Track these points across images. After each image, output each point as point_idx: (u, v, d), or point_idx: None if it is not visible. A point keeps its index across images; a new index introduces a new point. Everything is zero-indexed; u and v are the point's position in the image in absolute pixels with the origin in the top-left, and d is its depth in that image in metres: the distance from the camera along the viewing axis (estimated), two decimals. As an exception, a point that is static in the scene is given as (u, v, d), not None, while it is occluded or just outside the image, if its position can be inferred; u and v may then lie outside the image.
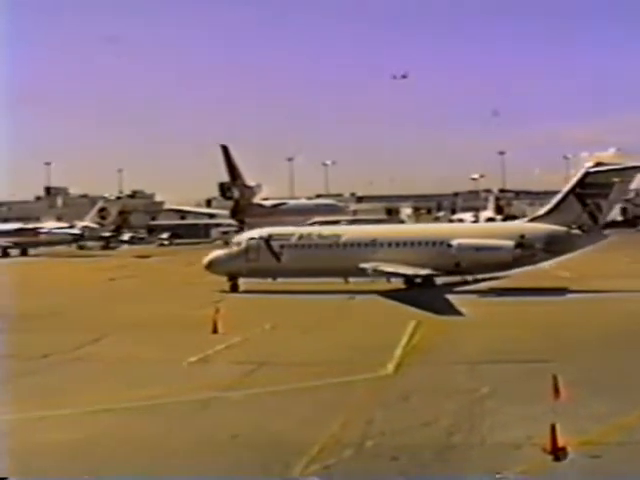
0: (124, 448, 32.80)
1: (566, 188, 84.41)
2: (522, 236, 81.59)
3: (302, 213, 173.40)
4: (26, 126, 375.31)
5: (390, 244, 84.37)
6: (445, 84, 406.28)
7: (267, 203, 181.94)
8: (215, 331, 58.50)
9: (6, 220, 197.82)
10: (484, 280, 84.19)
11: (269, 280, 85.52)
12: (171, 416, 37.53)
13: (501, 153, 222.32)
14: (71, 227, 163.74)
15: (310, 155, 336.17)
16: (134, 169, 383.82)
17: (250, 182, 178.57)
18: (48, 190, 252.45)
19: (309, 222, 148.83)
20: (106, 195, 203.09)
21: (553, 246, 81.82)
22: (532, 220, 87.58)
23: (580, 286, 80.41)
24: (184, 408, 38.91)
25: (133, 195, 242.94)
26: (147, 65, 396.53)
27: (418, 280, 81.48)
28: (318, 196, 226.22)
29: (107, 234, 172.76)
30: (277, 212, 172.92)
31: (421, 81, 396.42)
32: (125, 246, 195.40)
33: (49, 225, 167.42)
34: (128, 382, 44.35)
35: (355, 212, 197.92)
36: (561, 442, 29.33)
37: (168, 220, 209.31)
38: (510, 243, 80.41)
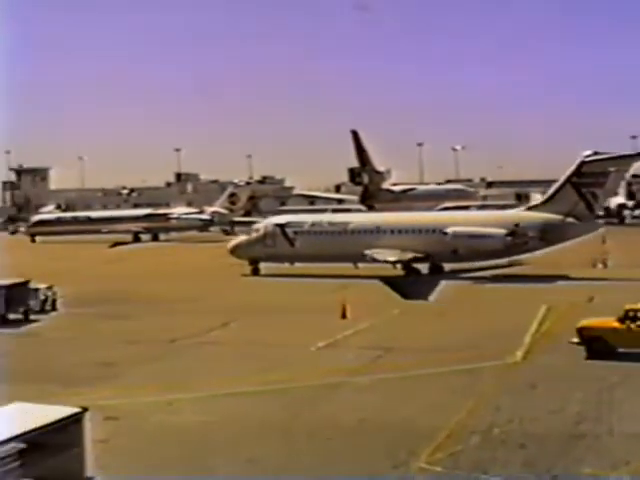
0: (252, 431, 33.56)
1: (563, 177, 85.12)
2: (517, 225, 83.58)
3: (431, 199, 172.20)
4: (156, 114, 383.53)
5: (392, 231, 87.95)
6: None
7: (396, 189, 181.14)
8: (344, 316, 59.18)
9: (137, 206, 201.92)
10: (498, 267, 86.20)
11: (286, 264, 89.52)
12: (299, 400, 38.30)
13: (633, 137, 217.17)
14: (201, 212, 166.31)
15: (440, 140, 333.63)
16: (264, 154, 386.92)
17: (380, 167, 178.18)
18: (178, 176, 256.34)
19: (439, 207, 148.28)
20: (236, 181, 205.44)
21: (547, 235, 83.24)
22: (529, 209, 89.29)
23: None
24: (312, 392, 39.63)
25: (263, 180, 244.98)
26: (282, 50, 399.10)
27: (414, 267, 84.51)
28: (448, 181, 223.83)
29: (237, 219, 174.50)
30: (406, 198, 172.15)
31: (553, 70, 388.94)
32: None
33: (179, 211, 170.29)
34: (257, 366, 45.33)
35: (485, 198, 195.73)
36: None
37: (297, 205, 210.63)
38: (502, 231, 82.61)
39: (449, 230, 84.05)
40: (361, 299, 66.76)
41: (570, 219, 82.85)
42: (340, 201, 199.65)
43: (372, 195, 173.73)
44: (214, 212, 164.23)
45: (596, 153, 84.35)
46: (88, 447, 26.87)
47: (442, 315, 60.66)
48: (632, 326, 43.53)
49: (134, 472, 29.02)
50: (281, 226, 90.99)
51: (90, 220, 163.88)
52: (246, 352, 49.60)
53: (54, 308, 67.71)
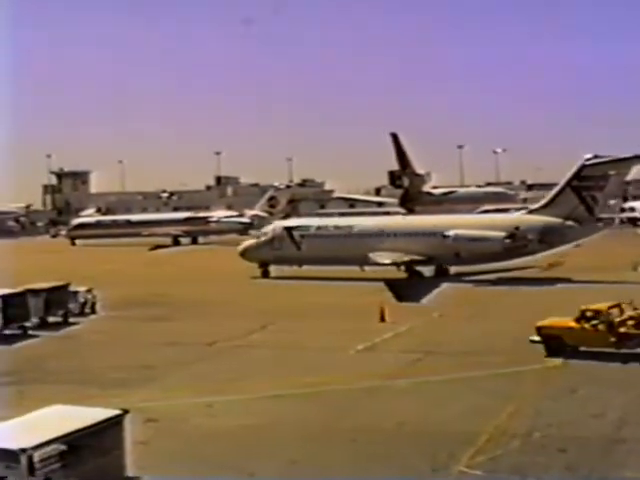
0: (292, 434, 33.61)
1: (563, 180, 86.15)
2: (517, 227, 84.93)
3: (471, 201, 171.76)
4: (196, 116, 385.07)
5: (396, 235, 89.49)
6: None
7: (436, 191, 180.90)
8: (382, 319, 59.16)
9: (176, 209, 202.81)
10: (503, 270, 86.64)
11: (295, 267, 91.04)
12: (339, 403, 38.38)
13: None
14: (240, 216, 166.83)
15: (481, 142, 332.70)
16: (304, 157, 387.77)
17: (420, 170, 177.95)
18: (218, 179, 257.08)
19: (478, 210, 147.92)
20: (276, 184, 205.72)
21: (547, 237, 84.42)
22: (531, 212, 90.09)
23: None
24: (351, 395, 39.68)
25: (303, 183, 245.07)
26: (322, 53, 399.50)
27: (416, 269, 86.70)
28: (488, 184, 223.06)
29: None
30: (446, 200, 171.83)
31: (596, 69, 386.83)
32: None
33: (219, 214, 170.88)
34: (296, 369, 45.46)
35: (525, 200, 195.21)
36: None
37: (337, 209, 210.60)
38: (501, 234, 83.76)
39: (450, 233, 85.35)
40: (395, 302, 67.54)
41: (570, 222, 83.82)
42: (380, 204, 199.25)
43: (412, 198, 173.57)
44: (254, 215, 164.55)
45: (596, 157, 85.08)
46: (128, 449, 27.09)
47: (485, 318, 60.64)
48: (586, 326, 45.42)
49: (174, 473, 29.18)
50: (288, 229, 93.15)
51: (130, 223, 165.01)
52: (285, 355, 49.71)
53: (93, 311, 68.27)
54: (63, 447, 22.92)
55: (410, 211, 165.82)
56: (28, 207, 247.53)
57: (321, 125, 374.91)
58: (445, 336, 53.80)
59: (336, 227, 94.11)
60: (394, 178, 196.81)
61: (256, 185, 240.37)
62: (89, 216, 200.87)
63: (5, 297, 59.12)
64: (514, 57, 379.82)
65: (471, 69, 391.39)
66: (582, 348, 45.78)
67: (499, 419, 34.11)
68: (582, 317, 45.63)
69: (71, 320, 64.44)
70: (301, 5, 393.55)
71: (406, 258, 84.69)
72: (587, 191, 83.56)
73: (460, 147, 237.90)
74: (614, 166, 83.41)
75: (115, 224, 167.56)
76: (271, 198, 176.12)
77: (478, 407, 36.38)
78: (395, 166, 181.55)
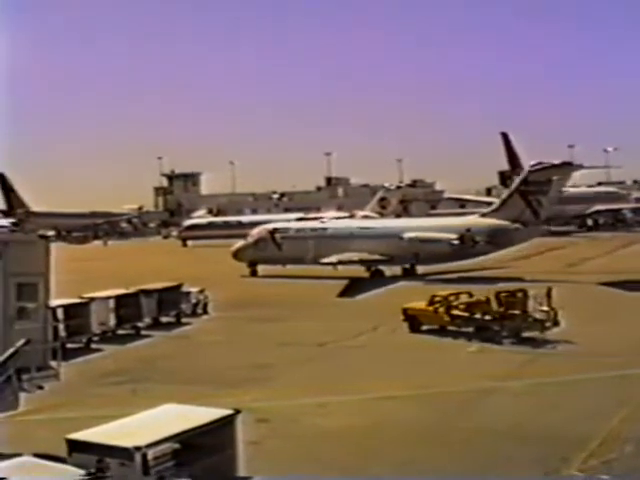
0: (405, 435, 33.46)
1: (513, 186, 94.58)
2: (468, 230, 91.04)
3: (582, 201, 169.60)
4: (306, 117, 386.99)
5: (363, 237, 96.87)
6: None
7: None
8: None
9: (287, 210, 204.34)
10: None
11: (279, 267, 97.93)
12: (450, 405, 38.15)
13: None
14: (351, 217, 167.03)
15: (591, 141, 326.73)
16: (415, 158, 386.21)
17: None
18: (329, 180, 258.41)
19: (590, 210, 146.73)
20: (386, 184, 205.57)
21: (495, 239, 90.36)
22: (484, 215, 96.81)
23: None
24: (463, 397, 39.41)
25: (413, 184, 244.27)
26: (432, 51, 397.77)
27: (374, 268, 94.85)
28: (599, 184, 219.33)
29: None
30: (558, 200, 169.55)
31: None
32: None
33: (329, 215, 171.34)
34: (409, 370, 45.30)
35: (638, 200, 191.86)
36: None
37: (448, 209, 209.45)
38: (449, 236, 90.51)
39: (405, 235, 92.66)
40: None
41: (517, 225, 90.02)
42: (490, 204, 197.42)
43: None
44: (364, 216, 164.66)
45: (540, 163, 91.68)
46: (240, 449, 27.28)
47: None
48: (430, 308, 55.95)
49: (287, 473, 29.31)
50: (271, 232, 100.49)
51: (241, 224, 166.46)
52: (397, 356, 49.65)
53: (205, 311, 69.11)
54: (176, 445, 23.17)
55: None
56: (140, 209, 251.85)
57: (431, 125, 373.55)
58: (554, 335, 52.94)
59: (312, 229, 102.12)
60: (504, 178, 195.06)
61: (366, 186, 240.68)
62: (200, 217, 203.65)
63: (119, 297, 60.11)
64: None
65: (584, 68, 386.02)
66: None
67: (613, 423, 33.48)
68: (431, 302, 56.04)
69: (183, 320, 65.38)
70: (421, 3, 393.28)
71: (355, 258, 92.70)
72: (533, 195, 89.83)
73: (571, 147, 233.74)
74: (556, 171, 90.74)
75: (226, 225, 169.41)
76: (382, 199, 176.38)
77: (592, 410, 35.73)
78: (505, 166, 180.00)
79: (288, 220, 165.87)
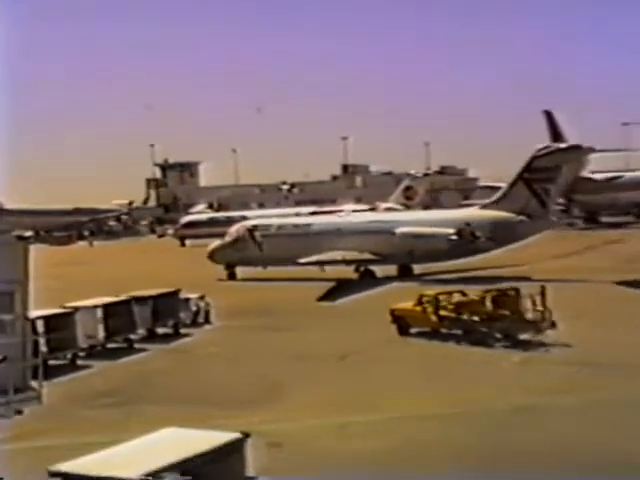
0: (435, 460, 33.40)
1: (515, 174, 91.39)
2: (467, 224, 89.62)
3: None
4: (319, 99, 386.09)
5: (351, 233, 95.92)
6: None
7: (599, 177, 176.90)
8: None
9: (299, 203, 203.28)
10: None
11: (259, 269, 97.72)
12: (486, 426, 37.84)
13: None
14: (372, 209, 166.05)
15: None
16: (443, 141, 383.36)
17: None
18: (345, 168, 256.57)
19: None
20: (412, 172, 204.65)
21: (497, 234, 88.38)
22: (483, 207, 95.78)
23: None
24: (502, 416, 39.25)
25: (442, 171, 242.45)
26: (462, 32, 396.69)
27: (363, 269, 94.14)
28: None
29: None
30: (611, 187, 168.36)
31: None
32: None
33: (347, 208, 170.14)
34: (441, 385, 45.33)
35: None
36: None
37: (483, 199, 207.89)
38: (447, 231, 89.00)
39: (397, 231, 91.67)
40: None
41: (521, 217, 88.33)
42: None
43: (570, 185, 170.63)
44: (388, 208, 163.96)
45: (547, 147, 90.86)
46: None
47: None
48: (418, 309, 58.48)
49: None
50: (250, 230, 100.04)
51: (247, 220, 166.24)
52: (426, 369, 49.58)
53: (207, 320, 68.96)
54: (178, 476, 23.08)
55: (569, 201, 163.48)
56: (130, 204, 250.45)
57: (461, 105, 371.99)
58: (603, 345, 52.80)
59: (295, 226, 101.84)
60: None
61: (389, 174, 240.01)
62: (200, 213, 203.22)
63: (107, 306, 59.65)
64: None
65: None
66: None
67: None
68: (419, 302, 58.62)
69: (182, 331, 65.17)
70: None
71: (339, 257, 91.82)
72: (539, 184, 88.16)
73: (625, 124, 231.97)
74: (564, 155, 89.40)
75: (230, 221, 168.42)
76: (407, 188, 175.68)
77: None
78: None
79: (298, 214, 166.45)
